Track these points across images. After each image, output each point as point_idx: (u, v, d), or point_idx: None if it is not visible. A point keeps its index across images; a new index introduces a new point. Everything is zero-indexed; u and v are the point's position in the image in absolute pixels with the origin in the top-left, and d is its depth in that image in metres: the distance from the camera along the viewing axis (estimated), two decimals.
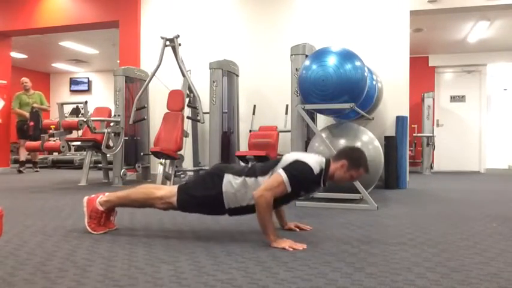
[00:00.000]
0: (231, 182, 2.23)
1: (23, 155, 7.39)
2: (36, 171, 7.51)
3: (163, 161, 4.89)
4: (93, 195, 2.42)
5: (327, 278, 1.61)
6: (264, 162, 2.37)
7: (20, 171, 7.18)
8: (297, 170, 2.14)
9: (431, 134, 7.95)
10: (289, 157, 2.23)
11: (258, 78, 5.79)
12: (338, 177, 2.26)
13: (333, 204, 3.51)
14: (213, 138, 4.96)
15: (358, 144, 3.87)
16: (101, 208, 2.37)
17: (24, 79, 7.42)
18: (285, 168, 2.15)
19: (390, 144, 5.06)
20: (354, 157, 2.27)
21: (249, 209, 2.24)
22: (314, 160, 2.21)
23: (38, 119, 6.94)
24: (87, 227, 2.37)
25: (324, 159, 2.26)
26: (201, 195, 2.27)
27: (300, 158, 2.20)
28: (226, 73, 5.22)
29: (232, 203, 2.24)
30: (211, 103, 4.99)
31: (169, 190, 2.34)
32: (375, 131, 4.70)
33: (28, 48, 9.52)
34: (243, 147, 5.44)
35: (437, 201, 4.00)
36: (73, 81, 12.26)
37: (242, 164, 5.12)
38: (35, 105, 7.12)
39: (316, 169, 2.17)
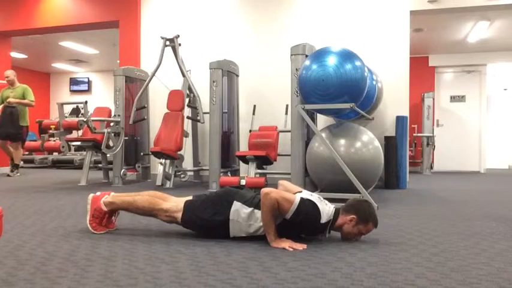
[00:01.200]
0: (239, 211, 2.21)
1: (17, 157, 6.52)
2: (17, 174, 6.51)
3: (163, 161, 4.89)
4: (98, 193, 2.42)
5: (327, 278, 1.61)
6: None
7: (8, 175, 6.45)
8: (307, 208, 2.12)
9: (431, 134, 7.95)
10: (305, 195, 2.21)
11: (258, 78, 5.78)
12: (346, 231, 2.21)
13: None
14: (213, 138, 4.96)
15: (358, 144, 3.87)
16: (104, 208, 2.37)
17: (6, 72, 6.64)
18: (301, 198, 2.14)
19: (390, 144, 5.06)
20: (364, 212, 2.20)
21: (251, 237, 2.22)
22: (325, 209, 2.18)
23: (11, 115, 6.30)
24: (88, 225, 2.37)
25: (333, 211, 2.22)
26: (207, 218, 2.24)
27: (315, 201, 2.17)
28: (226, 73, 5.22)
29: (237, 232, 2.23)
30: (211, 103, 4.99)
31: (176, 205, 2.32)
32: (375, 131, 4.70)
33: (28, 48, 9.52)
34: (243, 147, 5.44)
35: (437, 201, 4.00)
36: (73, 81, 12.25)
37: (243, 165, 5.12)
38: (10, 100, 6.34)
39: (323, 218, 2.15)
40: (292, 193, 2.21)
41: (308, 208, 2.13)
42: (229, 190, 2.37)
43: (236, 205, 2.22)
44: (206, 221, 2.25)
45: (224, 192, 2.37)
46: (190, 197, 2.39)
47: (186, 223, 2.31)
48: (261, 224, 2.16)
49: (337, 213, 2.22)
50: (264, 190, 2.12)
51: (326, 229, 2.21)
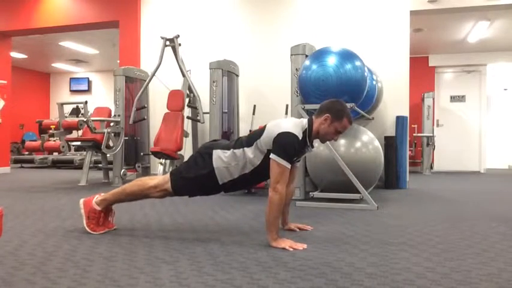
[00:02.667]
0: (220, 157, 2.27)
1: None
2: None
3: (163, 161, 4.89)
4: (88, 197, 2.43)
5: (327, 278, 1.61)
6: (248, 134, 2.38)
7: None
8: (283, 144, 2.14)
9: (431, 134, 7.95)
10: (271, 129, 2.20)
11: (258, 78, 5.78)
12: (323, 132, 2.26)
13: (333, 204, 3.52)
14: (213, 138, 4.95)
15: (358, 144, 3.87)
16: (98, 208, 2.38)
17: None
18: (273, 150, 2.14)
19: (390, 144, 5.06)
20: (336, 109, 2.25)
21: (241, 181, 2.28)
22: (294, 124, 2.21)
23: None
24: (86, 228, 2.37)
25: (305, 120, 2.27)
26: (194, 175, 2.29)
27: (282, 129, 2.16)
28: (226, 73, 5.21)
29: (225, 177, 2.27)
30: (211, 103, 4.98)
31: (163, 178, 2.38)
32: (375, 131, 4.70)
33: (28, 48, 9.52)
34: None
35: (437, 201, 4.00)
36: (73, 81, 12.25)
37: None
38: None
39: (299, 133, 2.17)
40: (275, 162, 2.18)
41: (283, 143, 2.13)
42: (206, 144, 2.44)
43: (216, 153, 2.28)
44: (194, 179, 2.29)
45: (202, 147, 2.43)
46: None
47: (177, 189, 2.33)
48: (244, 161, 2.22)
49: (310, 120, 2.27)
50: (269, 191, 2.12)
51: (307, 141, 2.23)
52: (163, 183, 2.33)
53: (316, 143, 3.93)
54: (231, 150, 2.27)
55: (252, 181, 2.38)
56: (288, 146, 2.14)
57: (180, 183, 2.32)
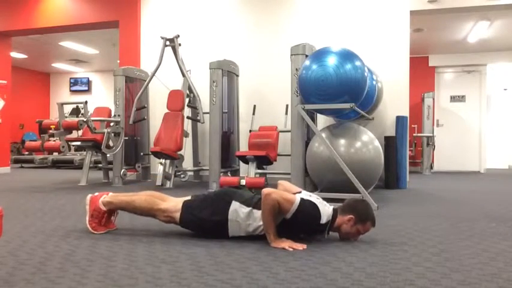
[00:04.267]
0: (237, 211, 2.21)
1: None
2: None
3: (163, 161, 4.89)
4: (96, 194, 2.42)
5: (327, 278, 1.61)
6: None
7: None
8: (307, 208, 2.13)
9: (431, 134, 7.94)
10: (304, 196, 2.21)
11: (258, 78, 5.78)
12: (345, 232, 2.21)
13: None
14: (213, 138, 4.96)
15: (358, 144, 3.87)
16: (103, 208, 2.37)
17: None
18: (301, 198, 2.15)
19: (390, 144, 5.06)
20: (361, 212, 2.20)
21: (250, 237, 2.22)
22: (325, 210, 2.18)
23: None
24: (88, 226, 2.37)
25: (331, 211, 2.22)
26: (206, 218, 2.25)
27: (314, 202, 2.17)
28: (226, 73, 5.22)
29: (236, 232, 2.23)
30: (211, 103, 4.98)
31: (174, 205, 2.32)
32: (375, 131, 4.70)
33: (28, 48, 9.51)
34: (243, 147, 5.44)
35: (437, 201, 4.00)
36: (73, 81, 12.25)
37: (243, 165, 5.12)
38: None
39: (323, 219, 2.15)
40: (292, 193, 2.21)
41: (308, 208, 2.13)
42: (228, 190, 2.38)
43: (235, 205, 2.22)
44: (205, 221, 2.25)
45: (222, 192, 2.37)
46: (188, 197, 2.39)
47: (185, 223, 2.31)
48: (260, 223, 2.17)
49: (335, 213, 2.22)
50: (265, 191, 2.12)
51: (325, 230, 2.21)
52: (173, 211, 2.29)
53: (317, 143, 3.93)
54: (251, 208, 2.20)
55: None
56: (308, 213, 2.12)
57: (189, 218, 2.27)
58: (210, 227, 2.26)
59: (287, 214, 2.11)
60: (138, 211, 2.38)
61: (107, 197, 2.40)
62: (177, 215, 2.28)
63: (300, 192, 2.30)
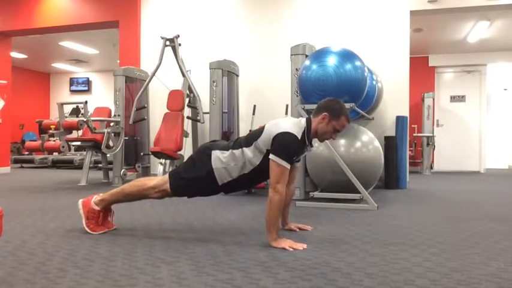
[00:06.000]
0: (219, 157, 2.26)
1: None
2: None
3: (163, 161, 4.89)
4: (87, 197, 2.43)
5: (327, 278, 1.61)
6: (247, 134, 2.38)
7: None
8: (282, 144, 2.14)
9: (431, 134, 7.94)
10: (270, 129, 2.20)
11: (258, 78, 5.79)
12: (321, 132, 2.26)
13: (332, 204, 3.51)
14: (213, 138, 4.95)
15: (358, 144, 3.87)
16: (97, 208, 2.38)
17: None
18: (273, 151, 2.14)
19: (390, 144, 5.06)
20: (333, 107, 2.25)
21: (241, 181, 2.28)
22: (293, 124, 2.21)
23: None
24: (86, 228, 2.37)
25: (303, 120, 2.27)
26: (193, 176, 2.29)
27: (281, 129, 2.17)
28: (226, 73, 5.21)
29: (224, 177, 2.27)
30: (211, 103, 4.98)
31: (161, 178, 2.37)
32: (375, 131, 4.70)
33: (28, 48, 9.51)
34: None
35: (437, 201, 4.00)
36: (73, 81, 12.25)
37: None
38: None
39: (298, 133, 2.18)
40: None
41: (283, 144, 2.13)
42: (204, 145, 2.44)
43: (215, 153, 2.28)
44: (193, 180, 2.29)
45: (200, 148, 2.43)
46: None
47: (176, 190, 2.33)
48: (243, 161, 2.22)
49: (309, 120, 2.27)
50: (270, 192, 2.12)
51: (306, 141, 2.23)
52: (162, 183, 2.33)
53: (316, 143, 3.93)
54: (230, 150, 2.26)
55: (252, 181, 2.38)
56: (288, 145, 2.15)
57: (179, 183, 2.31)
58: (200, 184, 2.30)
59: (289, 167, 2.13)
60: (131, 197, 2.41)
61: (98, 196, 2.42)
62: (167, 186, 2.31)
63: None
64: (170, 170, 4.97)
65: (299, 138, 2.18)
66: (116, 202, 2.43)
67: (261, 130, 2.25)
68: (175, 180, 2.32)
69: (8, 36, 7.45)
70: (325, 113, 2.23)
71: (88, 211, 2.38)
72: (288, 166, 2.14)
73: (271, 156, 2.14)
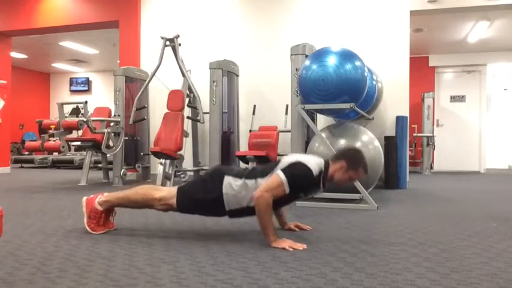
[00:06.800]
0: (231, 184, 2.22)
1: None
2: None
3: (163, 161, 4.88)
4: (91, 196, 2.42)
5: (327, 278, 1.61)
6: (264, 164, 2.36)
7: None
8: (296, 171, 2.14)
9: (431, 134, 7.94)
10: (288, 159, 2.23)
11: (258, 78, 5.79)
12: (337, 179, 2.25)
13: (333, 204, 3.51)
14: (213, 138, 4.96)
15: (358, 144, 3.87)
16: (100, 208, 2.37)
17: None
18: (284, 170, 2.14)
19: (390, 144, 5.06)
20: (353, 158, 2.26)
21: (249, 211, 2.23)
22: (313, 162, 2.20)
23: None
24: (87, 227, 2.37)
25: (322, 161, 2.25)
26: (201, 197, 2.26)
27: (300, 160, 2.19)
28: (226, 73, 5.22)
29: (233, 204, 2.24)
30: (211, 103, 4.99)
31: (169, 191, 2.33)
32: (375, 131, 4.70)
33: (28, 48, 9.52)
34: (243, 147, 5.44)
35: (437, 201, 4.00)
36: (73, 81, 12.26)
37: (242, 165, 5.12)
38: None
39: (315, 171, 2.16)
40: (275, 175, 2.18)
41: (297, 171, 2.14)
42: (218, 167, 2.44)
43: (227, 179, 2.24)
44: (201, 201, 2.27)
45: (214, 170, 2.40)
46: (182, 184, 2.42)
47: (182, 207, 2.31)
48: (254, 192, 2.18)
49: (327, 163, 2.25)
50: (256, 194, 2.12)
51: (320, 182, 2.22)
52: (169, 197, 2.29)
53: (316, 142, 3.93)
54: (243, 179, 2.22)
55: None
56: (300, 176, 2.14)
57: (185, 202, 2.28)
58: (207, 206, 2.28)
59: (285, 192, 2.12)
60: (135, 204, 2.39)
61: (102, 196, 2.41)
62: (173, 201, 2.29)
63: (279, 162, 2.25)
64: (170, 169, 4.99)
65: (314, 177, 2.16)
66: (119, 206, 2.43)
67: (277, 162, 2.25)
68: (182, 198, 2.28)
69: (8, 36, 7.45)
70: (343, 162, 2.22)
71: (91, 210, 2.37)
72: (287, 190, 2.11)
73: (278, 171, 2.14)
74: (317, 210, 3.31)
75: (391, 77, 5.28)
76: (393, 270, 1.71)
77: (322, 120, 4.98)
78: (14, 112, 8.77)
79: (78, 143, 6.19)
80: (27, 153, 9.26)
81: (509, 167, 9.51)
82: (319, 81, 3.53)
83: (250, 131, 5.34)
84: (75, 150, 9.60)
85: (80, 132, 5.56)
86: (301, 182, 2.16)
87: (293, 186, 2.12)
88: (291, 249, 2.01)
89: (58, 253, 1.95)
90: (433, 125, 8.10)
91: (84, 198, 2.41)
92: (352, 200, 3.58)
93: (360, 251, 2.01)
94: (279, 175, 2.13)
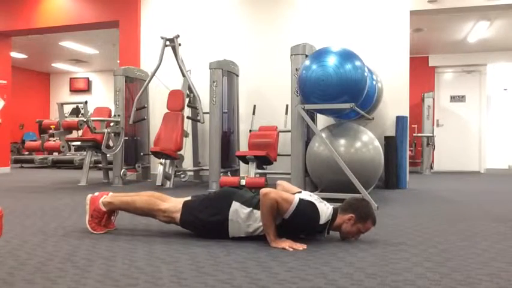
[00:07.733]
0: (238, 211, 2.20)
1: None
2: None
3: (163, 161, 4.89)
4: (96, 194, 2.42)
5: (327, 278, 1.61)
6: None
7: None
8: (306, 208, 2.12)
9: (431, 134, 7.95)
10: (304, 196, 2.21)
11: (258, 78, 5.78)
12: (345, 231, 2.21)
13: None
14: (213, 138, 4.96)
15: (358, 144, 3.87)
16: (103, 208, 2.37)
17: None
18: (301, 199, 2.14)
19: (390, 144, 5.06)
20: (362, 211, 2.19)
21: (253, 238, 2.21)
22: (324, 210, 2.18)
23: None
24: (87, 226, 2.37)
25: (331, 211, 2.21)
26: (206, 218, 2.24)
27: (314, 201, 2.17)
28: (226, 73, 5.22)
29: (236, 232, 2.22)
30: (211, 103, 4.98)
31: (174, 205, 2.32)
32: (375, 131, 4.70)
33: (28, 48, 9.52)
34: (243, 147, 5.44)
35: (437, 201, 4.00)
36: (73, 81, 12.26)
37: (243, 165, 5.12)
38: None
39: (322, 219, 2.15)
40: (291, 193, 2.20)
41: (307, 208, 2.13)
42: (228, 190, 2.37)
43: (235, 205, 2.22)
44: (205, 222, 2.24)
45: (223, 192, 2.36)
46: (189, 198, 2.38)
47: (185, 223, 2.30)
48: (260, 224, 2.16)
49: (335, 212, 2.22)
50: (263, 190, 2.12)
51: (325, 229, 2.21)
52: (174, 211, 2.28)
53: (317, 143, 3.93)
54: (251, 208, 2.19)
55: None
56: (307, 214, 2.12)
57: (189, 220, 2.27)
58: (210, 228, 2.25)
59: (285, 214, 2.10)
60: (139, 211, 2.38)
61: (107, 197, 2.40)
62: (177, 216, 2.27)
63: (300, 192, 2.30)
64: (170, 169, 4.99)
65: (319, 224, 2.15)
66: (123, 210, 2.43)
67: None
68: (187, 215, 2.26)
69: (8, 36, 7.44)
70: (352, 215, 2.18)
71: (94, 209, 2.37)
72: (289, 213, 2.08)
73: (296, 194, 2.16)
74: None
75: (391, 77, 5.28)
76: (393, 270, 1.71)
77: (322, 120, 4.98)
78: (14, 112, 8.77)
79: (78, 143, 6.19)
80: (27, 153, 9.26)
81: (509, 167, 9.51)
82: (319, 81, 3.53)
83: (250, 131, 5.34)
84: (75, 150, 9.60)
85: (80, 132, 5.56)
86: (304, 218, 2.13)
87: (295, 216, 2.10)
88: (291, 249, 2.01)
89: (58, 253, 1.95)
90: (433, 125, 8.11)
91: (89, 196, 2.41)
92: None
93: (360, 251, 2.01)
94: (295, 196, 2.14)
